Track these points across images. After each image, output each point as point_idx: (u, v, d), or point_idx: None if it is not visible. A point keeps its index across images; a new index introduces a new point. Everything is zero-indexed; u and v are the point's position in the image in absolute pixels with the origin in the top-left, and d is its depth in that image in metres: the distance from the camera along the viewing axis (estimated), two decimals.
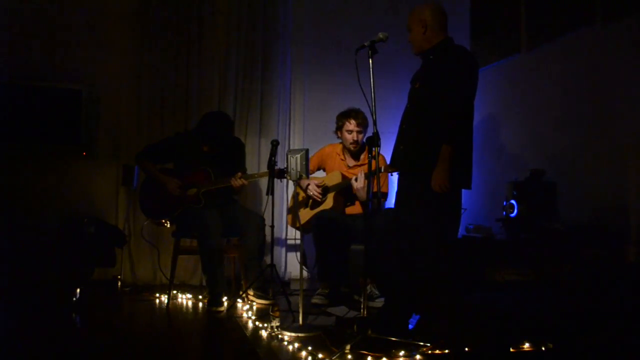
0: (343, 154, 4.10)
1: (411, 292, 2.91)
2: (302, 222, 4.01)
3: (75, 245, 4.15)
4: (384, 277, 2.98)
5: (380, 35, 2.78)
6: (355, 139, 3.95)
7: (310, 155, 4.20)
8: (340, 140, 4.13)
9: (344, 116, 4.00)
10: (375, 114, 2.72)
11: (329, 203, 3.95)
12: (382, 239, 3.00)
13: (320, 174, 4.28)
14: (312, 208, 4.06)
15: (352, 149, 4.00)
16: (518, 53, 4.38)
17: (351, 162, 4.06)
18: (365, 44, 2.81)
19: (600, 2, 3.62)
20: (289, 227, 4.85)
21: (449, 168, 2.70)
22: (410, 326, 2.95)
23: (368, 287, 3.83)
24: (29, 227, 4.30)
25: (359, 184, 3.71)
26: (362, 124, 3.95)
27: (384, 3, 5.08)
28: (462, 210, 4.49)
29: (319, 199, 4.01)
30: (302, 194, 4.18)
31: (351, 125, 3.94)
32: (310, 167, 4.11)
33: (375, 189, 3.02)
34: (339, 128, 4.03)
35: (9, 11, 4.43)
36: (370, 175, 2.80)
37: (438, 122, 2.76)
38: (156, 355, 2.71)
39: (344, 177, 3.96)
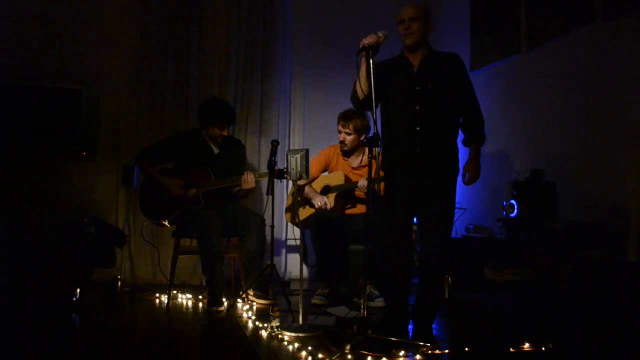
0: (344, 154, 4.10)
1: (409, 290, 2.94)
2: (302, 217, 4.00)
3: (75, 245, 4.15)
4: (387, 278, 2.96)
5: (380, 34, 2.77)
6: (341, 139, 3.96)
7: (312, 157, 4.21)
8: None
9: (338, 117, 4.00)
10: (375, 114, 2.72)
11: (329, 203, 3.95)
12: (391, 240, 2.95)
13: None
14: (311, 206, 4.06)
15: (340, 147, 4.01)
16: (518, 53, 4.38)
17: (355, 163, 4.05)
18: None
19: (601, 1, 3.62)
20: (289, 228, 4.85)
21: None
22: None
23: (367, 287, 3.84)
24: (29, 227, 4.30)
25: (365, 184, 3.70)
26: (353, 129, 3.90)
27: (384, 3, 5.08)
28: (462, 210, 4.52)
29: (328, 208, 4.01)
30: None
31: (339, 126, 3.95)
32: (314, 170, 4.12)
33: (376, 188, 2.99)
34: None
35: (9, 11, 4.43)
36: (371, 176, 2.79)
37: (456, 123, 2.95)
38: (156, 355, 2.71)
39: (347, 178, 3.95)
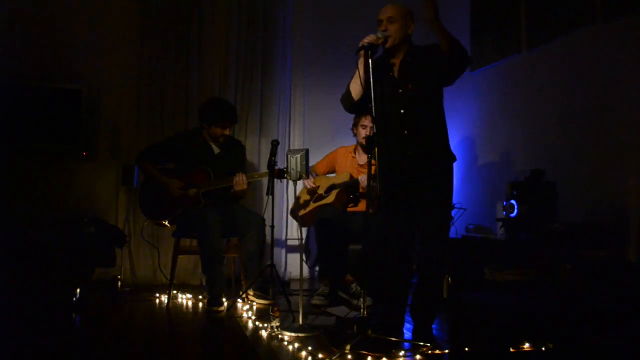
0: (354, 152, 4.13)
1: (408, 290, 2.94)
2: (304, 213, 4.06)
3: (75, 245, 4.14)
4: (386, 278, 2.96)
5: (380, 34, 2.77)
6: (368, 133, 3.94)
7: (312, 157, 4.24)
8: (352, 142, 4.17)
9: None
10: (373, 113, 2.71)
11: (330, 198, 3.98)
12: (395, 240, 2.93)
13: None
14: (314, 202, 4.10)
15: (363, 142, 4.00)
16: (518, 53, 4.38)
17: (362, 160, 4.07)
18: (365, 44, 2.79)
19: (601, 1, 3.62)
20: (289, 228, 4.86)
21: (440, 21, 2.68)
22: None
23: (353, 285, 3.86)
24: (29, 227, 4.30)
25: (365, 181, 3.73)
26: None
27: (384, 3, 5.06)
28: (462, 210, 4.52)
29: (314, 187, 4.14)
30: (303, 197, 4.20)
31: (367, 121, 3.94)
32: (322, 168, 4.19)
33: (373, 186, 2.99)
34: (355, 124, 4.04)
35: (9, 11, 4.43)
36: (370, 176, 2.79)
37: (444, 120, 2.88)
38: (156, 355, 2.71)
39: (351, 177, 3.98)
